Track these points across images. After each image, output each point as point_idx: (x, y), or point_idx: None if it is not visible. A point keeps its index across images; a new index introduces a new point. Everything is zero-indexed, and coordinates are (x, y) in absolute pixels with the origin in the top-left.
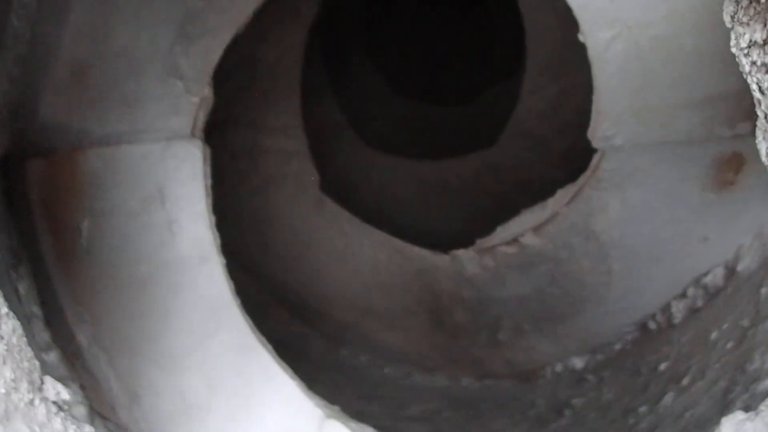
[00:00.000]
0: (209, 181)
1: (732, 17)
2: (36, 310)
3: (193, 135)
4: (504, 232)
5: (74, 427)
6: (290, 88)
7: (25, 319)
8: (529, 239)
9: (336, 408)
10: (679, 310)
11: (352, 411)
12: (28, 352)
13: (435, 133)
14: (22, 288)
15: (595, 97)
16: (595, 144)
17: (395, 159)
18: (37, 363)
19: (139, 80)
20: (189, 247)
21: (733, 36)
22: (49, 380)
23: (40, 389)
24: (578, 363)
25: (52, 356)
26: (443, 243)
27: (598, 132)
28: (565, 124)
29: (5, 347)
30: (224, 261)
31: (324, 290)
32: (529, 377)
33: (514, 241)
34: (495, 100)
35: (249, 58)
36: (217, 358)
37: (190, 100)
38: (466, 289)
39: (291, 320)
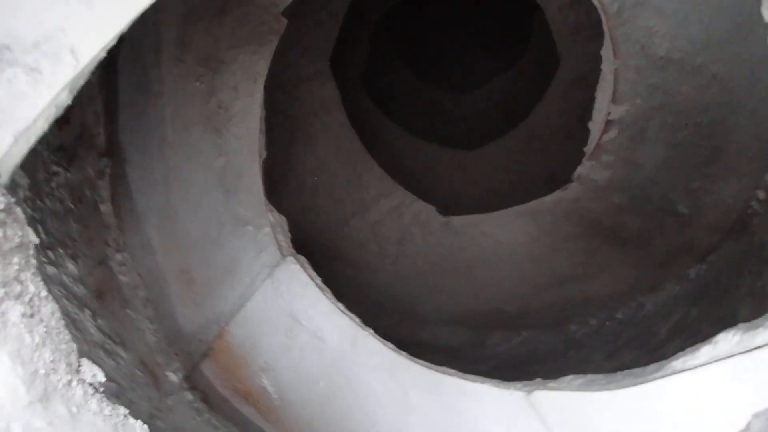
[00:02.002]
0: (319, 280)
1: None
2: None
3: (283, 256)
4: (595, 125)
5: (110, 407)
6: (357, 161)
7: None
8: (616, 111)
9: (537, 380)
10: None
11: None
12: (66, 335)
13: (502, 104)
14: None
15: None
16: None
17: (484, 148)
18: (74, 345)
19: (224, 249)
20: (339, 339)
21: None
22: (85, 362)
23: (78, 371)
24: None
25: None
26: None
27: None
28: None
29: (45, 329)
30: (372, 330)
31: (511, 295)
32: (743, 225)
33: (607, 124)
34: (540, 50)
35: (318, 164)
36: (423, 408)
37: (263, 232)
38: (613, 196)
39: (505, 338)
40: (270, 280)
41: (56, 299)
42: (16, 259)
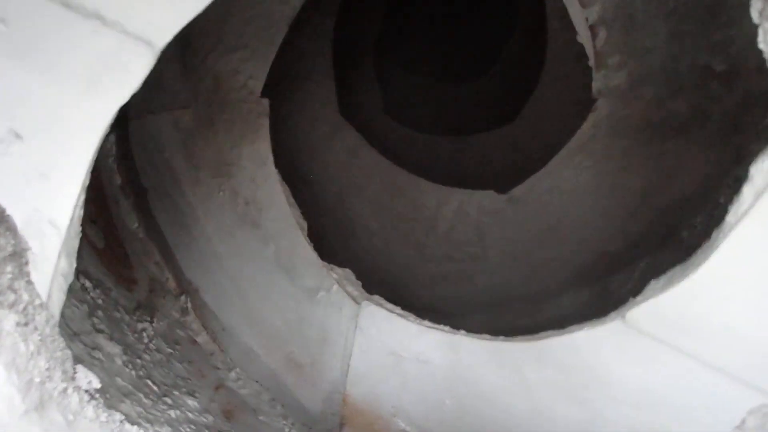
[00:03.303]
0: (398, 309)
1: (760, 13)
2: None
3: (358, 303)
4: (583, 37)
5: (106, 414)
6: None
7: None
8: (592, 14)
9: (629, 301)
10: None
11: None
12: (61, 343)
13: (521, 66)
14: None
15: None
16: None
17: (521, 115)
18: (69, 352)
19: (311, 322)
20: (440, 354)
21: (761, 32)
22: (81, 369)
23: (73, 378)
24: None
25: None
26: None
27: None
28: None
29: (39, 338)
30: (464, 331)
31: (606, 234)
32: None
33: (592, 29)
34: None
35: (373, 207)
36: (541, 378)
37: (334, 291)
38: (644, 91)
39: (625, 278)
40: (358, 330)
41: None
42: (9, 268)
